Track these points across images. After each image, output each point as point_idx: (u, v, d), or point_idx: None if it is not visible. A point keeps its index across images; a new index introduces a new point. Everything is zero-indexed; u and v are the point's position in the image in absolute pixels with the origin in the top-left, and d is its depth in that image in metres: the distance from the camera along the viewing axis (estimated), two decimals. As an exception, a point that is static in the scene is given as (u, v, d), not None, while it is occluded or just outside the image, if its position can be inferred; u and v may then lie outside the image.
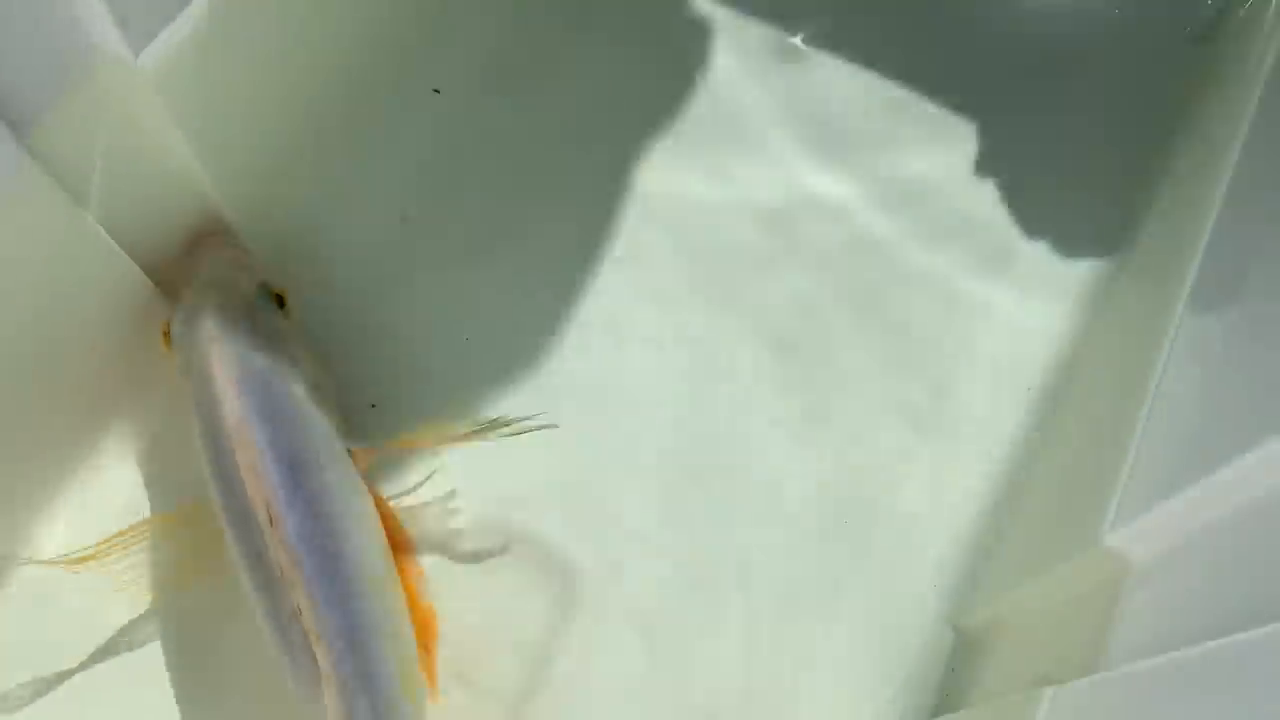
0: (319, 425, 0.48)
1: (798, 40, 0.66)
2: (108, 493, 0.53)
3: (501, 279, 0.60)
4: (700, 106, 0.65)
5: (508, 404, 0.57)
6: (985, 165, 0.65)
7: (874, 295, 0.61)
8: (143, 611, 0.51)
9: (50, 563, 0.48)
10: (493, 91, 0.64)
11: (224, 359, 0.48)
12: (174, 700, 0.50)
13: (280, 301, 0.52)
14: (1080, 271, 0.63)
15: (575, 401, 0.57)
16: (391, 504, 0.51)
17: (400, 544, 0.50)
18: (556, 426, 0.51)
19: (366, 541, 0.47)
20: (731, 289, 0.61)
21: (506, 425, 0.50)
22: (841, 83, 0.65)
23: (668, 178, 0.63)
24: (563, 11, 0.66)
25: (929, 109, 0.66)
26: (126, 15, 0.44)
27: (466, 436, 0.50)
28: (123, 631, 0.51)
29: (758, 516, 0.57)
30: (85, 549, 0.47)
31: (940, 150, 0.65)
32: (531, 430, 0.50)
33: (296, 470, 0.46)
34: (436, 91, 0.63)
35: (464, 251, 0.60)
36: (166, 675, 0.51)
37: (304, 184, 0.60)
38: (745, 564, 0.56)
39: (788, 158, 0.64)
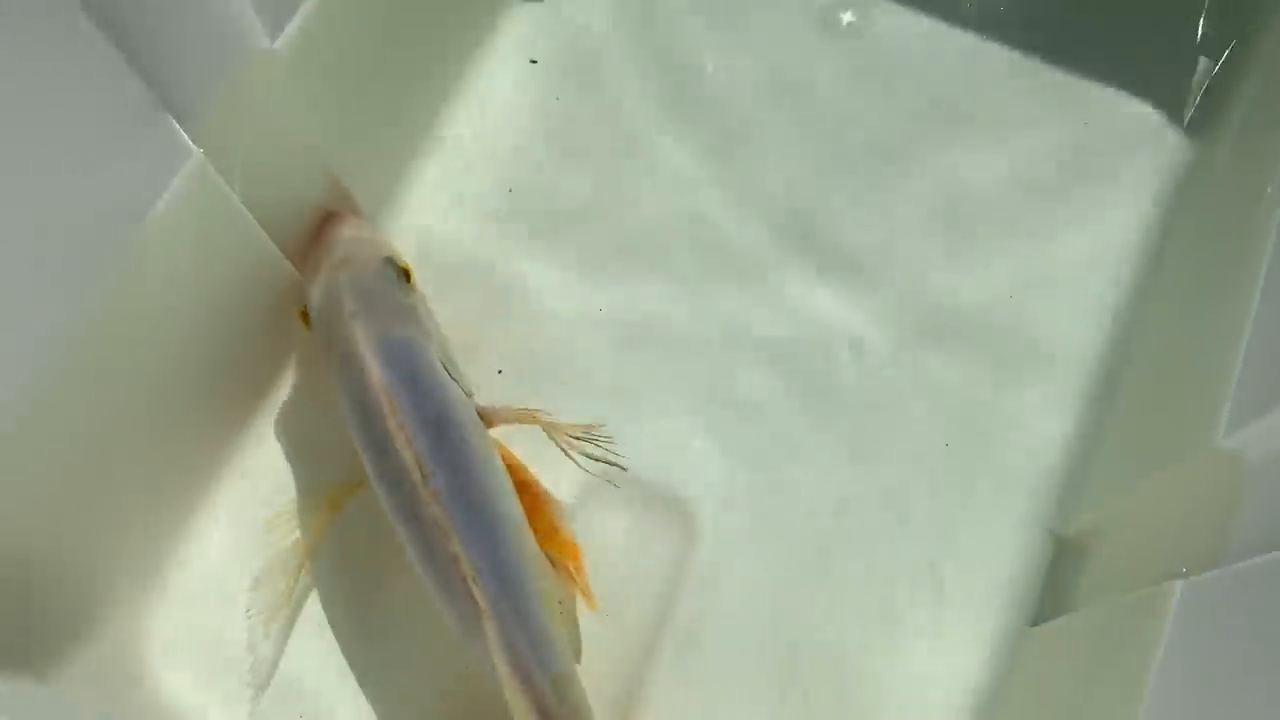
0: (453, 389, 0.51)
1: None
2: (258, 470, 0.55)
3: (604, 246, 0.62)
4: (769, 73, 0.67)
5: (612, 364, 0.60)
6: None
7: (954, 219, 0.64)
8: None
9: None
10: (588, 61, 0.66)
11: (365, 334, 0.50)
12: (338, 649, 0.54)
13: (405, 276, 0.54)
14: (1164, 157, 0.64)
15: (681, 356, 0.60)
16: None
17: (530, 484, 0.53)
18: (624, 470, 0.54)
19: (502, 490, 0.50)
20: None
21: (592, 446, 0.53)
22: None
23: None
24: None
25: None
26: (263, 7, 0.46)
27: (562, 436, 0.53)
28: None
29: (867, 445, 0.59)
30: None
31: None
32: (609, 463, 0.53)
33: (440, 432, 0.49)
34: (533, 62, 0.65)
35: (569, 220, 0.62)
36: (331, 626, 0.54)
37: (416, 157, 0.62)
38: (855, 484, 0.59)
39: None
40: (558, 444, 0.53)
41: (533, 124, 0.64)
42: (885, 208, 0.64)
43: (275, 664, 0.53)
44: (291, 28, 0.48)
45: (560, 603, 0.51)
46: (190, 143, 0.44)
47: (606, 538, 0.57)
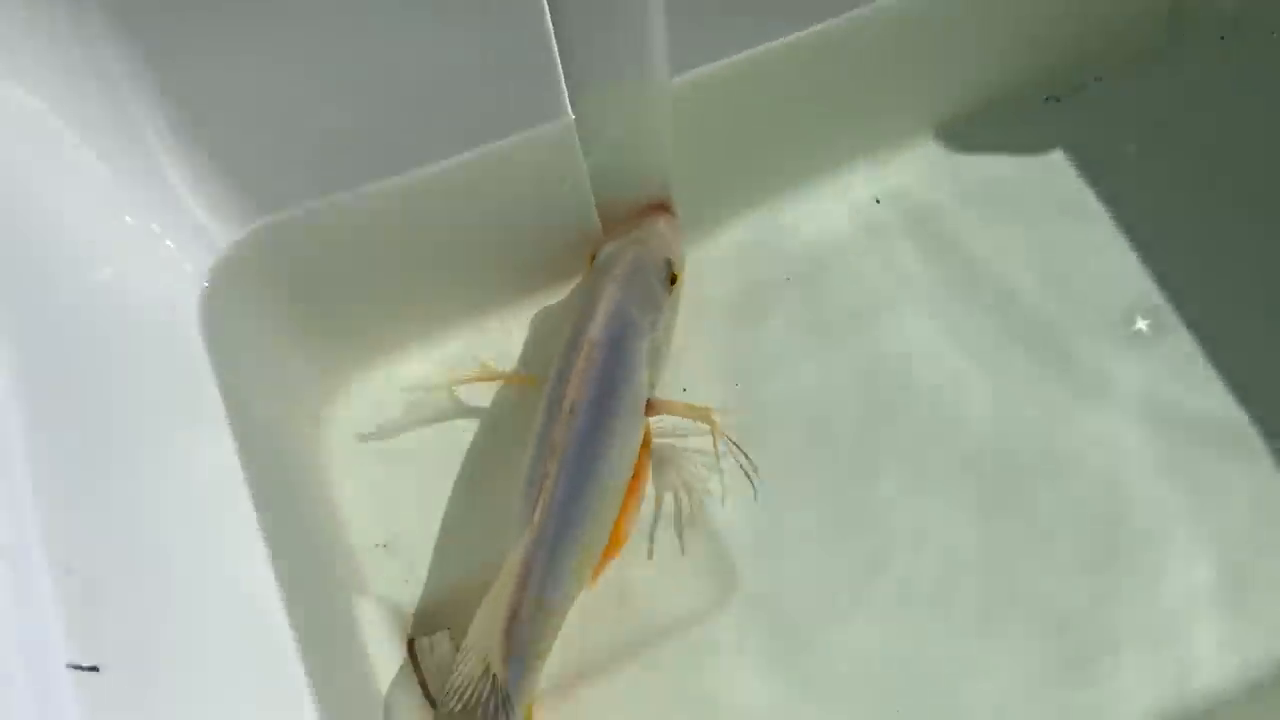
0: (638, 376, 0.63)
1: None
2: (504, 336, 0.74)
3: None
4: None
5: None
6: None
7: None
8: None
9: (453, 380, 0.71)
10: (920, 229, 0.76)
11: (611, 297, 0.64)
12: (460, 489, 0.70)
13: (673, 280, 0.67)
14: None
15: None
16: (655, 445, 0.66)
17: (636, 486, 0.64)
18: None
19: (618, 466, 0.61)
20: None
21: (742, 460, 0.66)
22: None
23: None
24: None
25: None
26: (677, 50, 0.62)
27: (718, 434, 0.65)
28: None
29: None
30: (465, 374, 0.70)
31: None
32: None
33: (606, 394, 0.61)
34: (878, 201, 0.77)
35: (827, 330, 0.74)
36: (467, 476, 0.70)
37: (736, 211, 0.77)
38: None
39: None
40: (714, 441, 0.65)
41: (850, 246, 0.76)
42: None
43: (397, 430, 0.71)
44: (688, 77, 0.64)
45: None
46: (569, 106, 0.62)
47: (654, 558, 0.68)
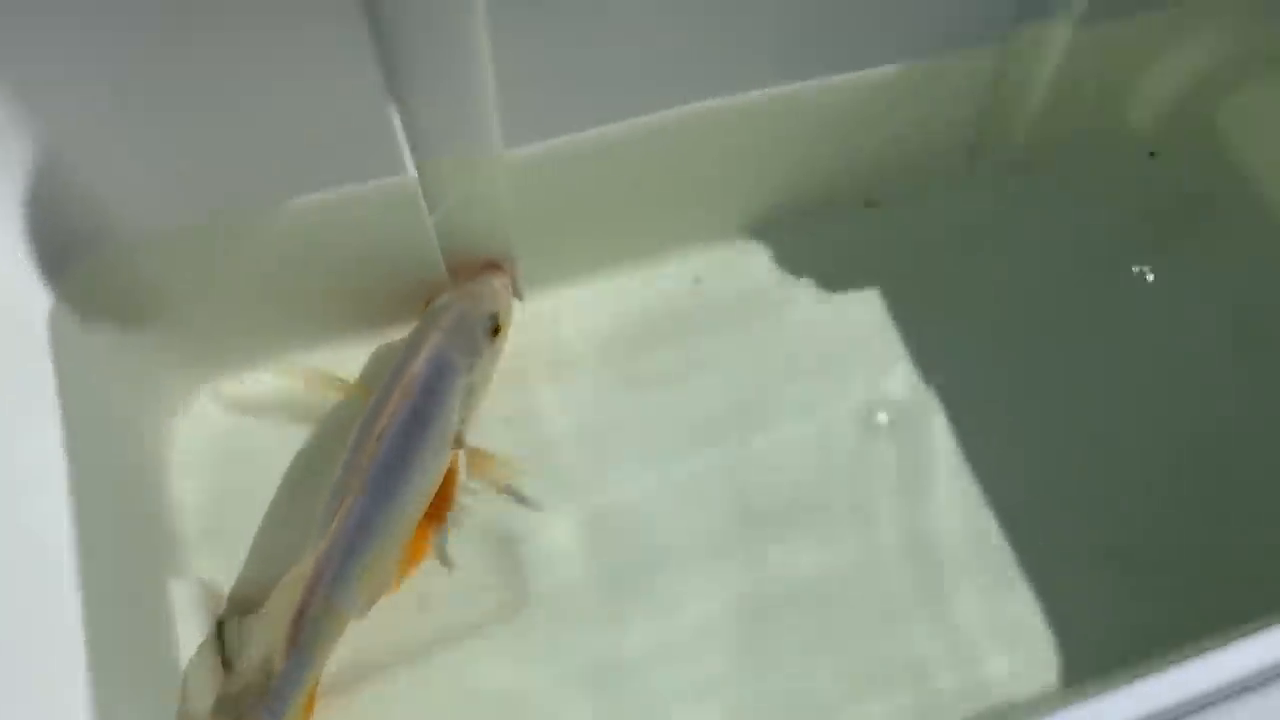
0: (450, 410, 0.71)
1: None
2: (346, 358, 0.82)
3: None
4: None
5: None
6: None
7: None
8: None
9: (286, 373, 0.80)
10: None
11: (433, 342, 0.72)
12: (289, 489, 0.77)
13: (496, 331, 0.76)
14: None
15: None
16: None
17: (442, 506, 0.72)
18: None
19: (417, 492, 0.68)
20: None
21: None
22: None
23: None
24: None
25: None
26: (514, 126, 0.71)
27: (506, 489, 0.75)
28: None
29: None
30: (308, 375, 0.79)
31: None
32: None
33: (415, 424, 0.68)
34: (697, 281, 0.86)
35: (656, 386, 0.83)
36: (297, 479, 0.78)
37: (569, 282, 0.86)
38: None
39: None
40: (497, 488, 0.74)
41: (669, 317, 0.85)
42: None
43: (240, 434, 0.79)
44: (526, 150, 0.73)
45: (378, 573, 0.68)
46: (410, 162, 0.70)
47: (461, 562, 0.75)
